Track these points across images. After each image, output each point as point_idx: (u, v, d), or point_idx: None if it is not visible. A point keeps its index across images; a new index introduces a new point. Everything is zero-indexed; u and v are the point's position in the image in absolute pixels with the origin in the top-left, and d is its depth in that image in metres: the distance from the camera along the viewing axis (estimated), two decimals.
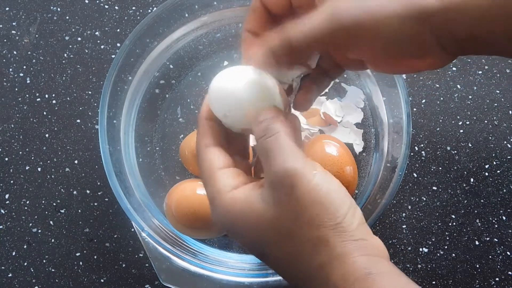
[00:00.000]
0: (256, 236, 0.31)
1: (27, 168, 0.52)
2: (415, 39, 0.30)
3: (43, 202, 0.51)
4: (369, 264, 0.29)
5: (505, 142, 0.52)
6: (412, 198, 0.51)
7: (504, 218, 0.50)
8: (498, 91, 0.54)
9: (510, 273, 0.49)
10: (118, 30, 0.55)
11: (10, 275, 0.49)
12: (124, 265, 0.49)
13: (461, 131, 0.52)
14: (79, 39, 0.55)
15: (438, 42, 0.31)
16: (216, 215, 0.32)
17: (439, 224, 0.50)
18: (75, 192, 0.51)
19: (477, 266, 0.49)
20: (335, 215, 0.29)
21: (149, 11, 0.56)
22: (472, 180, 0.51)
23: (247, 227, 0.31)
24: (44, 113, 0.53)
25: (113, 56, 0.54)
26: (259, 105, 0.33)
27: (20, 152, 0.52)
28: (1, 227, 0.50)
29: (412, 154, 0.52)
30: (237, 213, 0.31)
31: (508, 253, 0.49)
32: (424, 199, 0.51)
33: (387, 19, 0.29)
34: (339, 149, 0.48)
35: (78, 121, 0.53)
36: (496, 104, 0.53)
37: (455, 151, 0.52)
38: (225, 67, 0.53)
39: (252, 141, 0.42)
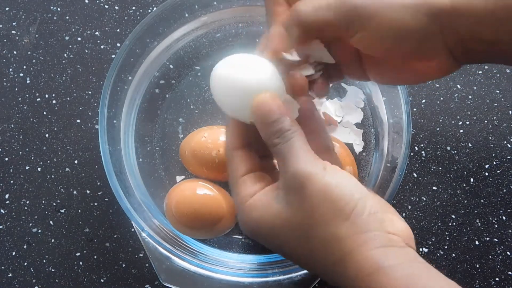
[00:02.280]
0: (275, 238, 0.32)
1: (27, 168, 0.52)
2: (424, 33, 0.31)
3: (43, 202, 0.51)
4: (380, 258, 0.29)
5: (505, 142, 0.52)
6: (412, 198, 0.51)
7: (504, 218, 0.50)
8: (498, 91, 0.54)
9: (510, 273, 0.49)
10: (118, 30, 0.55)
11: (10, 275, 0.49)
12: (124, 265, 0.49)
13: (461, 131, 0.52)
14: (79, 39, 0.55)
15: (445, 43, 0.31)
16: (240, 223, 0.34)
17: (439, 224, 0.50)
18: (75, 192, 0.51)
19: (477, 266, 0.49)
20: (344, 210, 0.30)
21: (149, 11, 0.56)
22: (472, 180, 0.51)
23: (266, 230, 0.32)
24: (44, 113, 0.53)
25: (113, 56, 0.54)
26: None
27: (20, 152, 0.52)
28: (1, 227, 0.50)
29: (412, 154, 0.52)
30: (256, 219, 0.32)
31: (508, 253, 0.49)
32: (424, 199, 0.51)
33: (398, 9, 0.30)
34: (339, 149, 0.48)
35: (78, 121, 0.53)
36: (496, 104, 0.53)
37: (455, 151, 0.52)
38: None
39: None
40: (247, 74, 0.33)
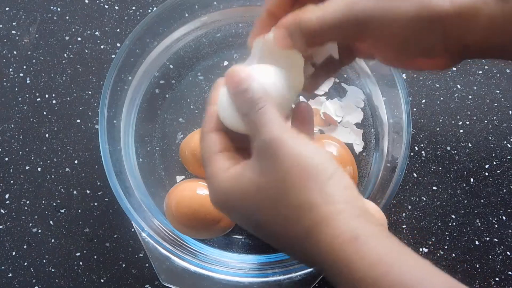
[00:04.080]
0: (247, 208, 0.31)
1: (27, 168, 0.52)
2: (425, 40, 0.31)
3: (43, 202, 0.51)
4: (355, 227, 0.28)
5: (505, 142, 0.52)
6: (412, 198, 0.51)
7: (504, 218, 0.50)
8: (498, 91, 0.54)
9: (510, 273, 0.49)
10: (118, 30, 0.55)
11: (10, 275, 0.49)
12: (124, 265, 0.49)
13: (461, 131, 0.52)
14: (79, 39, 0.55)
15: (445, 46, 0.31)
16: (211, 196, 0.33)
17: (439, 224, 0.50)
18: (75, 192, 0.51)
19: (477, 266, 0.49)
20: (318, 178, 0.29)
21: (149, 11, 0.56)
22: (472, 180, 0.51)
23: (238, 199, 0.31)
24: (44, 113, 0.53)
25: (113, 56, 0.54)
26: None
27: (20, 152, 0.52)
28: (1, 227, 0.50)
29: (412, 154, 0.52)
30: (228, 189, 0.32)
31: (508, 253, 0.49)
32: (424, 199, 0.51)
33: (401, 18, 0.30)
34: (339, 149, 0.48)
35: (78, 121, 0.53)
36: (496, 104, 0.53)
37: (455, 151, 0.52)
38: (225, 67, 0.53)
39: None
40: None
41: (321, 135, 0.51)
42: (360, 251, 0.27)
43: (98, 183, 0.51)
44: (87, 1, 0.56)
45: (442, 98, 0.53)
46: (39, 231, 0.50)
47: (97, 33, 0.55)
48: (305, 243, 0.29)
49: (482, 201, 0.51)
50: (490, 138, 0.52)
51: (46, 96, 0.54)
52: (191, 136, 0.50)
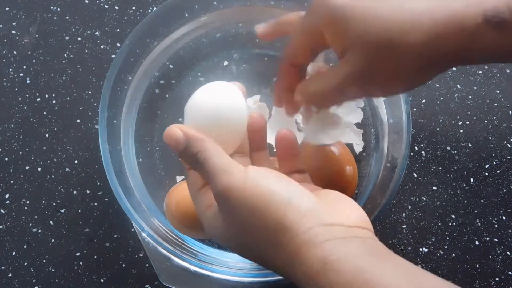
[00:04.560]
0: (232, 246, 0.33)
1: (27, 168, 0.52)
2: (431, 67, 0.32)
3: (43, 202, 0.51)
4: (325, 253, 0.28)
5: (505, 142, 0.52)
6: (412, 198, 0.51)
7: (504, 218, 0.50)
8: (498, 91, 0.54)
9: (510, 273, 0.49)
10: (118, 30, 0.55)
11: (10, 275, 0.49)
12: (124, 265, 0.49)
13: (461, 131, 0.52)
14: (79, 39, 0.55)
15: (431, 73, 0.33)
16: (205, 230, 0.35)
17: (439, 224, 0.50)
18: (75, 192, 0.51)
19: (477, 266, 0.49)
20: (274, 215, 0.29)
21: (149, 11, 0.56)
22: (472, 180, 0.51)
23: (222, 238, 0.33)
24: (44, 113, 0.53)
25: (113, 56, 0.54)
26: (228, 128, 0.34)
27: (20, 152, 0.52)
28: (1, 227, 0.50)
29: (412, 154, 0.52)
30: (211, 230, 0.33)
31: (508, 253, 0.49)
32: (424, 199, 0.51)
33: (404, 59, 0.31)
34: (339, 149, 0.48)
35: (78, 121, 0.53)
36: (496, 104, 0.53)
37: (455, 151, 0.52)
38: (225, 67, 0.53)
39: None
40: (216, 103, 0.34)
41: None
42: (331, 277, 0.28)
43: (98, 183, 0.51)
44: (87, 1, 0.56)
45: (442, 98, 0.53)
46: (39, 231, 0.50)
47: (97, 33, 0.55)
48: (288, 276, 0.30)
49: (482, 201, 0.51)
50: (490, 138, 0.52)
51: (46, 96, 0.54)
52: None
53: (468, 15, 0.30)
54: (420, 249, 0.49)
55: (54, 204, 0.51)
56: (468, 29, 0.30)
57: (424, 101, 0.53)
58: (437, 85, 0.54)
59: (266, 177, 0.31)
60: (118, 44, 0.55)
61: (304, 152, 0.48)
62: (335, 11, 0.32)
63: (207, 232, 0.34)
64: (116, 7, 0.56)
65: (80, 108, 0.53)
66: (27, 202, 0.51)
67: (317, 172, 0.45)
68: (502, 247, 0.49)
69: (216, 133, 0.33)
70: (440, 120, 0.53)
